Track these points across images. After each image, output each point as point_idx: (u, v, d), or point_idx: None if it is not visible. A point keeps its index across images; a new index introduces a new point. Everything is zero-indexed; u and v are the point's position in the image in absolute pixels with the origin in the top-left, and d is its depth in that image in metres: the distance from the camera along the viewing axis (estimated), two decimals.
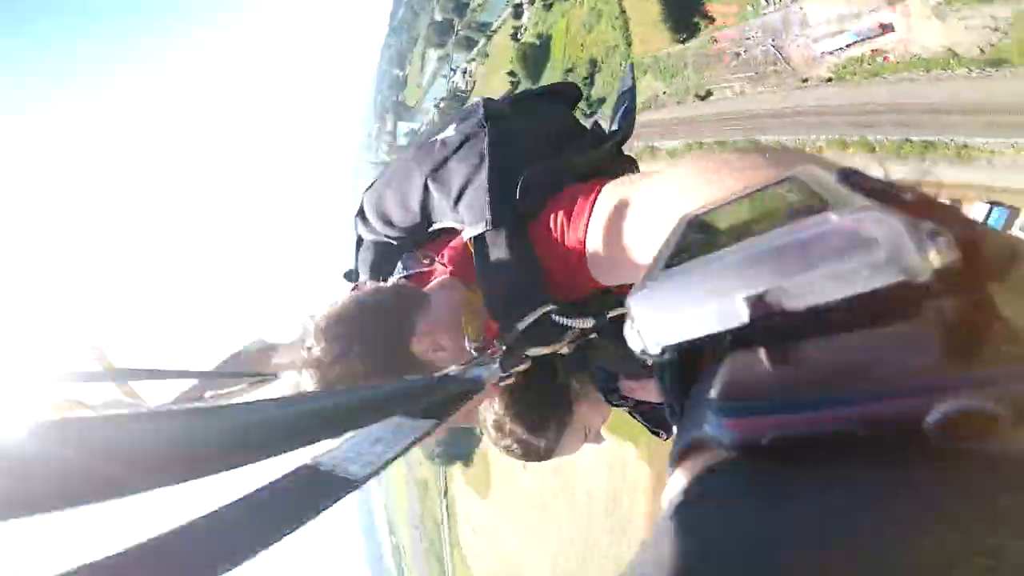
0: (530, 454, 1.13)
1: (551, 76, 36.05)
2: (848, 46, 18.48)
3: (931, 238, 0.18)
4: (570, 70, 33.60)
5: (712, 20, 24.51)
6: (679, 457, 0.21)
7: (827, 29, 19.24)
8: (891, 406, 0.16)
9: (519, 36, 41.94)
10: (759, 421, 0.17)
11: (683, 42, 25.53)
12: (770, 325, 0.20)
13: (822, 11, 19.66)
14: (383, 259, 1.15)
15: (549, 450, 1.12)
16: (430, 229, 1.04)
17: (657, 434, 1.34)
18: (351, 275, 1.24)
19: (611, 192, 0.76)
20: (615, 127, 1.14)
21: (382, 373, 0.87)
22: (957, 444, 0.15)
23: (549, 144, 1.00)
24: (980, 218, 13.66)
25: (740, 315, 0.20)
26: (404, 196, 1.03)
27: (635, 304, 0.23)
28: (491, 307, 0.91)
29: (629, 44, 29.14)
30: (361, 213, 1.16)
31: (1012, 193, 13.84)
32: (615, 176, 0.83)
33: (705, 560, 0.16)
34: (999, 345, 0.17)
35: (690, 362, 0.23)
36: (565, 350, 0.92)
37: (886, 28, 17.05)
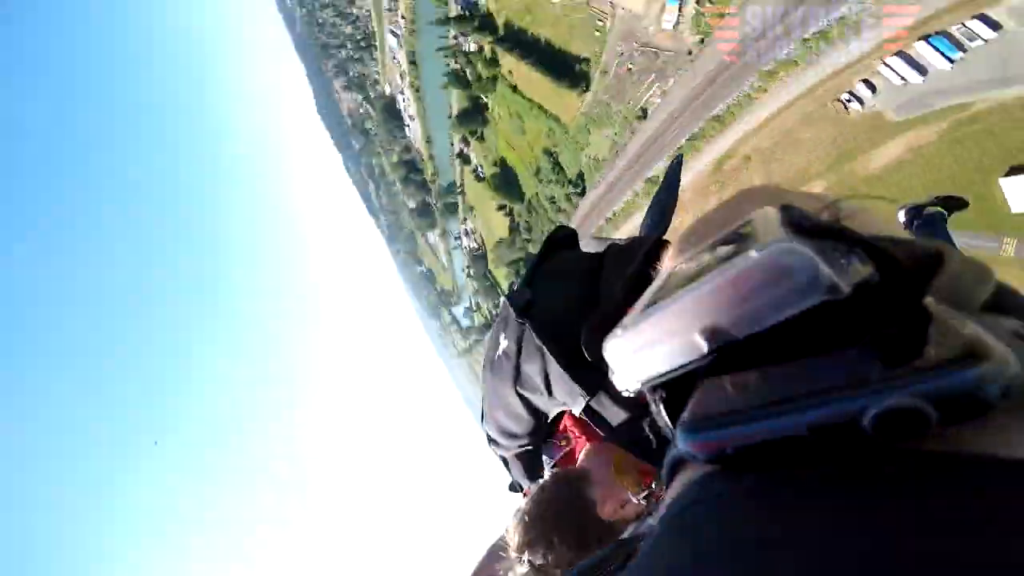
0: None
1: (528, 186, 41.67)
2: (680, 9, 22.84)
3: (844, 258, 0.23)
4: (537, 172, 39.05)
5: (587, 60, 29.46)
6: (669, 475, 0.27)
7: (652, 10, 24.04)
8: (830, 411, 0.19)
9: (481, 175, 48.98)
10: (719, 437, 0.22)
11: (586, 90, 30.47)
12: (734, 353, 0.24)
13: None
14: (531, 462, 1.35)
15: None
16: (548, 421, 1.25)
17: None
18: (514, 487, 1.46)
19: None
20: (644, 231, 1.37)
21: (582, 550, 0.99)
22: (895, 445, 0.18)
23: (582, 291, 1.15)
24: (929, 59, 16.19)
25: (700, 348, 0.25)
26: (510, 412, 1.24)
27: (607, 351, 0.29)
28: (635, 452, 1.05)
29: (558, 120, 34.45)
30: (490, 440, 1.40)
31: (939, 15, 15.96)
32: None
33: (698, 562, 0.19)
34: (933, 351, 0.20)
35: (680, 393, 0.27)
36: None
37: None
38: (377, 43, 64.39)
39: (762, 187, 0.59)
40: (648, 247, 1.06)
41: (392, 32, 59.08)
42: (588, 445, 1.18)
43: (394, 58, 61.12)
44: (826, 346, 0.23)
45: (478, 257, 55.26)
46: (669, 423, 0.28)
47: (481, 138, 46.56)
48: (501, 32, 39.91)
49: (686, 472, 0.25)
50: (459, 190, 55.46)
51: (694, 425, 0.24)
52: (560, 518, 1.03)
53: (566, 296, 1.18)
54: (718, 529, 0.21)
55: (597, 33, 29.74)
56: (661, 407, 0.28)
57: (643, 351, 0.27)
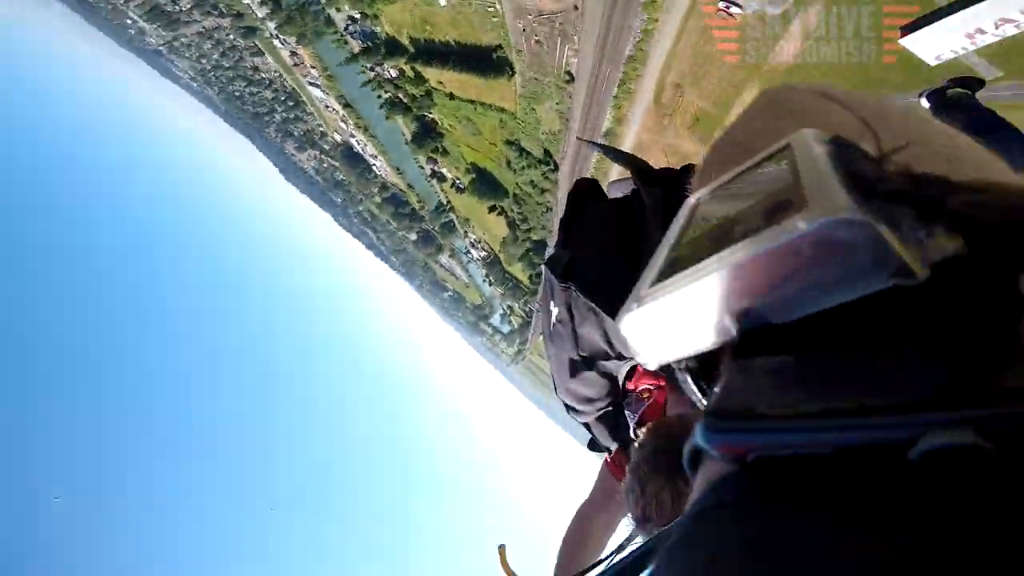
0: None
1: (507, 180, 45.21)
2: None
3: (924, 229, 0.19)
4: (508, 163, 42.45)
5: (499, 46, 33.12)
6: (691, 461, 0.26)
7: None
8: (869, 436, 0.18)
9: (460, 186, 52.89)
10: (741, 443, 0.21)
11: (513, 74, 34.18)
12: (771, 333, 0.22)
13: None
14: (613, 422, 1.44)
15: None
16: (620, 381, 1.32)
17: None
18: (595, 446, 1.58)
19: None
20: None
21: None
22: (940, 477, 0.17)
23: (620, 238, 1.18)
24: None
25: (728, 330, 0.23)
26: (582, 378, 1.33)
27: (625, 327, 0.28)
28: None
29: (503, 110, 37.86)
30: (568, 409, 1.53)
31: None
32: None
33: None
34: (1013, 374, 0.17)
35: (710, 362, 0.27)
36: None
37: None
38: (304, 98, 68.83)
39: (781, 90, 0.54)
40: (641, 182, 1.16)
41: (311, 83, 63.33)
42: (672, 392, 1.24)
43: (327, 107, 65.43)
44: (884, 338, 0.20)
45: (492, 263, 59.11)
46: (700, 396, 0.28)
47: (444, 152, 50.11)
48: (411, 50, 43.24)
49: (706, 467, 0.24)
50: (448, 207, 59.44)
51: (716, 424, 0.22)
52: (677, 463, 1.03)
53: (605, 247, 1.23)
54: (729, 541, 0.20)
55: (494, 19, 32.96)
56: (690, 380, 0.28)
57: (663, 332, 0.25)
